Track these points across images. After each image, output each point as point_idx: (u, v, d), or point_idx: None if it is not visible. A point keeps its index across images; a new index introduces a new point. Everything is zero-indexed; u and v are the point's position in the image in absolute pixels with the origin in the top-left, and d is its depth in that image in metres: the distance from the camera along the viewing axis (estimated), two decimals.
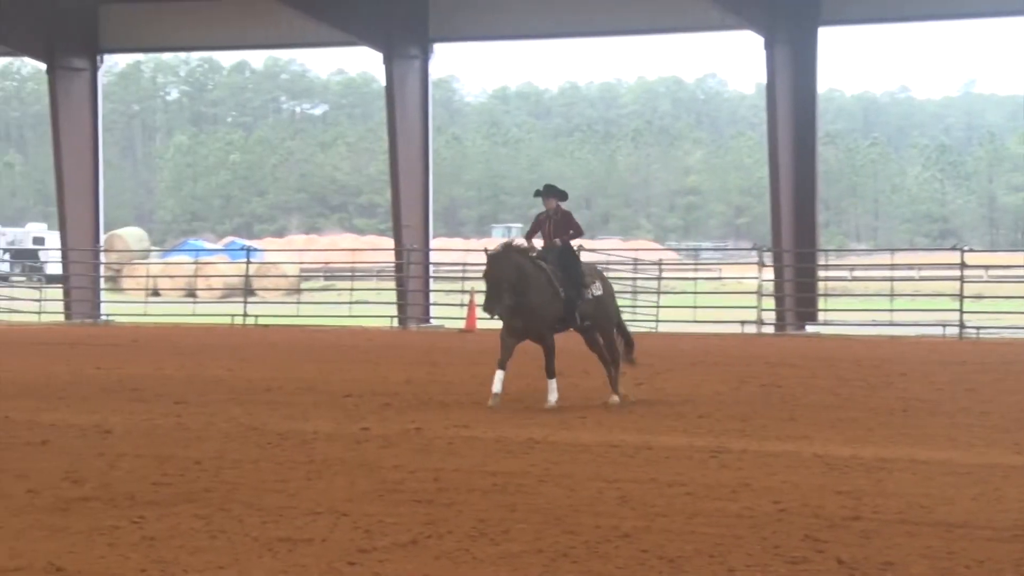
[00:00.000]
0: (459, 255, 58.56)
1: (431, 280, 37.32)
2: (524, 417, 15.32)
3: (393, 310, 36.02)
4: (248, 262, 41.32)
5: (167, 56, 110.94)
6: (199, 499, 10.34)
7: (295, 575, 8.16)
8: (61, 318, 36.33)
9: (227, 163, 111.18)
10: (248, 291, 39.64)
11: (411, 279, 36.12)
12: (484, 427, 14.45)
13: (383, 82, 36.12)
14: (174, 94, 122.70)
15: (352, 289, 41.90)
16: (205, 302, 44.75)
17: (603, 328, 16.86)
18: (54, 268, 47.47)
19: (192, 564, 8.36)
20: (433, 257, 38.42)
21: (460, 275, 43.29)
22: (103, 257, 40.93)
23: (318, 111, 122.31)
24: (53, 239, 58.47)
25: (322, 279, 56.52)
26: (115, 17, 36.69)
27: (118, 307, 39.15)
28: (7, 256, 60.48)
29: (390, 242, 36.81)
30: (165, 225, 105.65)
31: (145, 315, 37.22)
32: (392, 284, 38.72)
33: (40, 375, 20.47)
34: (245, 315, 35.31)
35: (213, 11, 36.21)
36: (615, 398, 16.53)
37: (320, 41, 38.91)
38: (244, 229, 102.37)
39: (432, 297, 36.86)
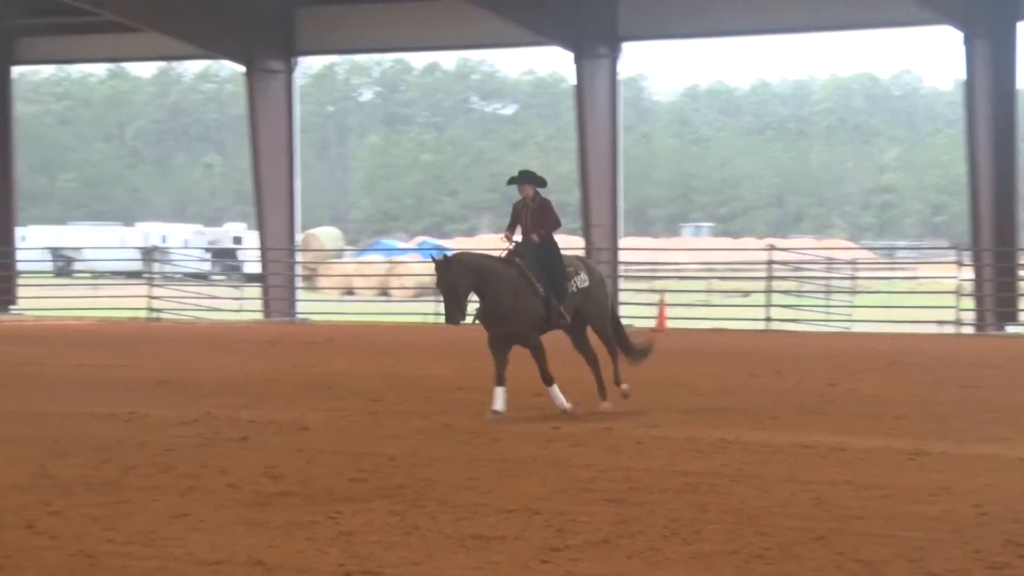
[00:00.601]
0: (649, 254, 58.36)
1: (620, 279, 37.25)
2: (715, 417, 15.20)
3: None
4: None
5: (360, 58, 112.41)
6: (394, 495, 10.46)
7: (489, 572, 8.20)
8: (259, 316, 37.06)
9: (419, 163, 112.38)
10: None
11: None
12: (674, 427, 14.37)
13: (573, 81, 36.19)
14: (367, 95, 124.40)
15: None
16: (398, 301, 45.27)
17: (596, 320, 15.79)
18: (252, 267, 48.45)
19: (387, 559, 8.45)
20: (622, 256, 38.35)
21: (650, 274, 43.16)
22: (299, 256, 41.67)
23: (508, 111, 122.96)
24: (251, 239, 59.67)
25: None
26: (310, 20, 37.31)
27: (314, 305, 39.81)
28: (208, 255, 61.90)
29: (579, 241, 36.83)
30: (359, 225, 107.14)
31: (340, 313, 37.79)
32: None
33: (240, 373, 20.90)
34: (437, 314, 35.67)
35: (405, 13, 36.62)
36: (625, 386, 15.84)
37: (510, 41, 39.12)
38: (435, 228, 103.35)
39: (621, 296, 36.80)
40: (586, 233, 36.25)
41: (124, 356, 23.97)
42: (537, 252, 15.30)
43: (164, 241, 66.31)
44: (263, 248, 38.18)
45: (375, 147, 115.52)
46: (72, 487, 10.85)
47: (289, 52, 37.47)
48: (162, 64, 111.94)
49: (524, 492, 10.56)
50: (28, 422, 14.78)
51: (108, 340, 28.65)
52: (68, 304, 37.81)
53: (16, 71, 40.54)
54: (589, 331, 15.96)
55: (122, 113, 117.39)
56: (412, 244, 75.65)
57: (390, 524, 9.44)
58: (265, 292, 38.25)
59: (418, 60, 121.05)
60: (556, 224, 15.51)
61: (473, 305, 15.21)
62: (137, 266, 46.64)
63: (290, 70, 37.53)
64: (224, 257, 62.36)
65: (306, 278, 47.32)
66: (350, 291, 50.92)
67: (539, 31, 35.93)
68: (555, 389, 15.29)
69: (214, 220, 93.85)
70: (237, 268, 56.06)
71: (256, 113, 37.16)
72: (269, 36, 37.05)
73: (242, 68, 37.90)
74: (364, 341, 28.73)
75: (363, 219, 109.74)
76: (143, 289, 37.62)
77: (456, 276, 14.87)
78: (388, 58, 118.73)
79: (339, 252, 60.28)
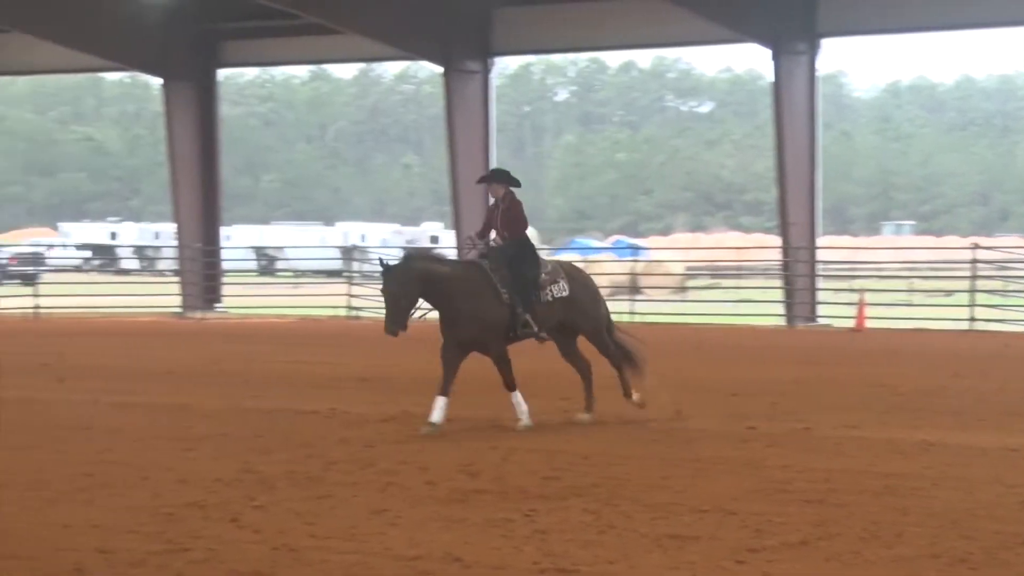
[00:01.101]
0: (848, 253, 57.51)
1: (818, 279, 36.78)
2: (916, 418, 14.93)
3: (780, 309, 35.67)
4: (635, 260, 41.62)
5: (556, 57, 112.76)
6: (588, 494, 10.48)
7: (684, 572, 8.17)
8: None
9: (614, 162, 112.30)
10: (634, 289, 39.93)
11: (798, 277, 35.69)
12: (874, 428, 14.15)
13: (770, 79, 35.82)
14: (563, 95, 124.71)
15: (738, 287, 41.69)
16: None
17: (585, 331, 14.91)
18: None
19: (582, 558, 8.47)
20: (820, 255, 37.84)
21: (848, 274, 42.51)
22: None
23: (704, 109, 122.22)
24: (448, 238, 60.27)
25: (708, 277, 56.47)
26: (507, 20, 37.53)
27: None
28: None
29: (777, 240, 36.44)
30: (553, 224, 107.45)
31: None
32: (778, 282, 38.32)
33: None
34: (632, 313, 35.59)
35: (601, 11, 36.61)
36: (636, 396, 15.09)
37: (707, 39, 38.85)
38: (630, 228, 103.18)
39: (820, 296, 36.33)
40: (783, 232, 35.85)
41: (324, 353, 24.38)
42: (508, 256, 14.28)
43: (363, 240, 67.31)
44: (459, 247, 38.51)
45: (570, 146, 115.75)
46: (275, 482, 11.08)
47: (486, 52, 37.72)
48: (362, 65, 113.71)
49: (719, 492, 10.49)
50: (233, 418, 15.13)
51: (309, 337, 29.16)
52: (270, 302, 38.59)
53: (221, 74, 41.48)
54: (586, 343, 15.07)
55: (323, 114, 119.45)
56: (607, 243, 75.63)
57: (585, 522, 9.46)
58: None
59: (613, 59, 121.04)
60: (523, 226, 14.47)
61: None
62: (337, 265, 47.42)
63: (487, 70, 37.79)
64: None
65: None
66: None
67: (736, 28, 35.63)
68: (517, 396, 14.31)
69: (412, 219, 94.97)
70: None
71: (453, 113, 37.50)
72: (467, 37, 37.35)
73: (440, 69, 38.27)
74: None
75: (558, 218, 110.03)
76: (343, 287, 38.22)
77: (400, 284, 13.89)
78: (584, 57, 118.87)
79: None
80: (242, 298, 39.52)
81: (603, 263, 54.07)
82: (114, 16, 37.31)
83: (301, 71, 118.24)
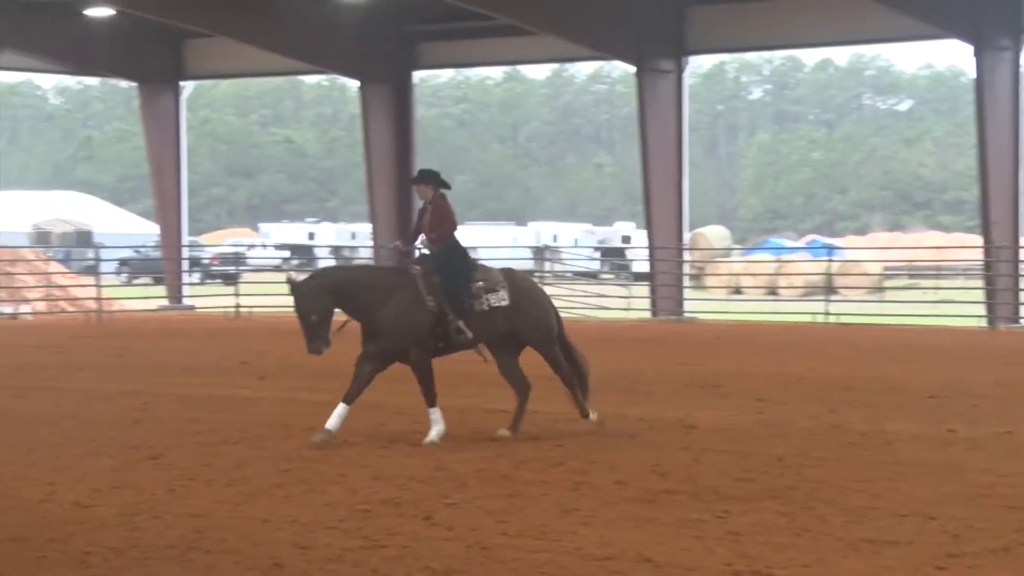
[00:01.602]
0: None
1: (1022, 279, 35.87)
2: None
3: (981, 310, 34.89)
4: (830, 260, 41.06)
5: (751, 55, 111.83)
6: (782, 496, 10.36)
7: None
8: (647, 315, 37.28)
9: (809, 161, 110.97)
10: (830, 289, 39.42)
11: (1000, 277, 34.85)
12: None
13: (972, 75, 35.05)
14: (757, 93, 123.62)
15: (937, 288, 40.87)
16: (786, 300, 44.81)
17: (532, 342, 13.95)
18: (640, 266, 48.80)
19: (776, 561, 8.38)
20: None
21: None
22: (687, 255, 41.75)
23: (903, 107, 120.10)
24: (639, 238, 60.14)
25: (906, 277, 55.48)
26: (701, 18, 37.29)
27: (701, 304, 39.78)
28: (597, 254, 62.69)
29: (978, 239, 35.62)
30: (747, 223, 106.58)
31: (727, 312, 37.67)
32: (979, 283, 37.46)
33: (628, 370, 21.08)
34: (827, 313, 35.12)
35: (797, 8, 36.18)
36: (594, 415, 14.04)
37: (906, 35, 38.09)
38: (825, 227, 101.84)
39: (1022, 296, 35.44)
40: (985, 231, 35.05)
41: None
42: (437, 262, 13.60)
43: (555, 240, 67.52)
44: (651, 247, 38.38)
45: (764, 145, 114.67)
46: (468, 480, 11.16)
47: (679, 51, 37.53)
48: (555, 66, 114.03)
49: (918, 496, 10.29)
50: (425, 416, 15.25)
51: None
52: None
53: (417, 76, 41.94)
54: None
55: (516, 115, 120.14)
56: (801, 243, 74.77)
57: (779, 525, 9.36)
58: (653, 291, 38.43)
59: (809, 56, 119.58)
60: (450, 228, 13.76)
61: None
62: (529, 264, 47.62)
63: (680, 69, 37.60)
64: (613, 256, 63.04)
65: (694, 277, 47.33)
66: (738, 290, 50.68)
67: (937, 24, 34.92)
68: (436, 412, 13.46)
69: (604, 219, 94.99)
70: (625, 267, 56.55)
71: (646, 113, 37.39)
72: (660, 36, 37.21)
73: (633, 68, 38.19)
74: (751, 340, 28.54)
75: (751, 218, 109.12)
76: None
77: (308, 301, 13.17)
78: (779, 55, 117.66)
79: (727, 251, 60.10)
80: None
81: (797, 263, 53.48)
82: (312, 20, 37.97)
83: (495, 72, 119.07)
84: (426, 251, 13.76)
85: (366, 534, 9.15)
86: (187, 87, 42.51)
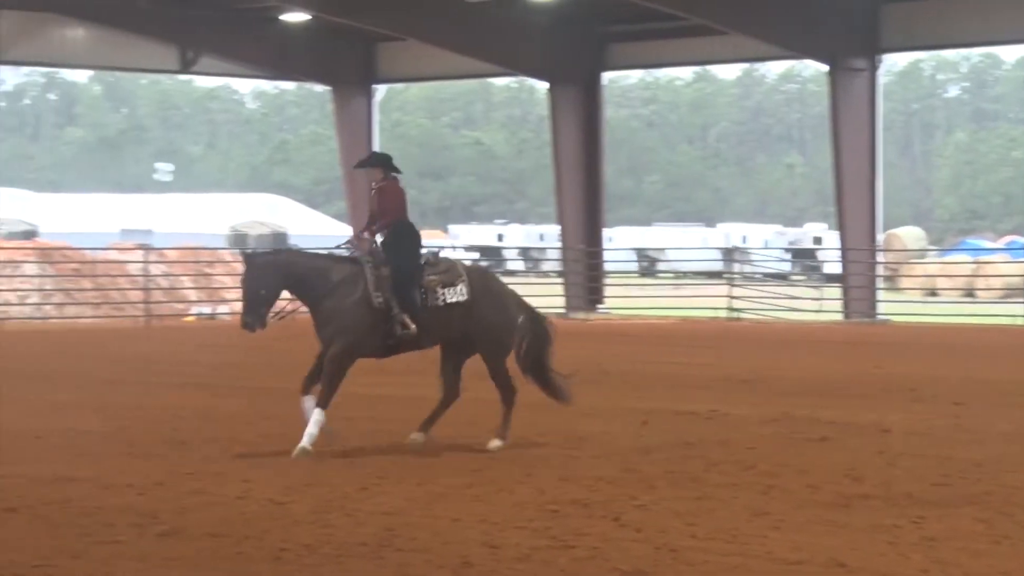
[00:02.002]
0: None
1: None
2: None
3: None
4: None
5: (948, 53, 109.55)
6: (979, 502, 10.14)
7: None
8: (839, 317, 36.77)
9: (1009, 160, 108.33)
10: None
11: None
12: None
13: None
14: (953, 91, 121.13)
15: None
16: (984, 302, 43.83)
17: (485, 349, 12.97)
18: (832, 268, 48.16)
19: (974, 568, 8.20)
20: None
21: None
22: (880, 256, 41.08)
23: None
24: (831, 239, 59.36)
25: None
26: (895, 16, 36.66)
27: (895, 306, 39.12)
28: (788, 255, 62.00)
29: None
30: (943, 224, 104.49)
31: (922, 315, 36.99)
32: None
33: (819, 373, 20.82)
34: None
35: (996, 4, 35.36)
36: (496, 442, 12.90)
37: None
38: None
39: None
40: None
41: (704, 355, 24.34)
42: (387, 250, 12.85)
43: (745, 241, 66.95)
44: (843, 248, 37.85)
45: (961, 144, 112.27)
46: (656, 482, 11.11)
47: (873, 49, 36.94)
48: (745, 66, 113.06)
49: None
50: (615, 417, 15.25)
51: (689, 339, 29.17)
52: (652, 303, 38.78)
53: (606, 76, 41.93)
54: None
55: (706, 115, 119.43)
56: (1000, 243, 73.06)
57: (976, 531, 9.15)
58: (845, 293, 37.91)
59: (1009, 53, 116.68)
60: (396, 213, 13.00)
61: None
62: (718, 266, 47.29)
63: (874, 68, 37.00)
64: (804, 257, 62.31)
65: (887, 279, 46.56)
66: (933, 292, 49.70)
67: None
68: (319, 415, 12.41)
69: (794, 220, 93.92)
70: (817, 268, 55.86)
71: (838, 112, 36.88)
72: (853, 34, 36.67)
73: (825, 67, 37.71)
74: (947, 343, 27.98)
75: (947, 218, 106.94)
76: (724, 289, 38.09)
77: (257, 275, 12.59)
78: (977, 52, 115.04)
79: (922, 252, 59.01)
80: (624, 299, 39.82)
81: (996, 264, 52.28)
82: (503, 22, 38.20)
83: (685, 72, 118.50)
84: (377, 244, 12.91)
85: (554, 534, 9.16)
86: (379, 90, 43.07)
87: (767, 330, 32.80)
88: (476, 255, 65.98)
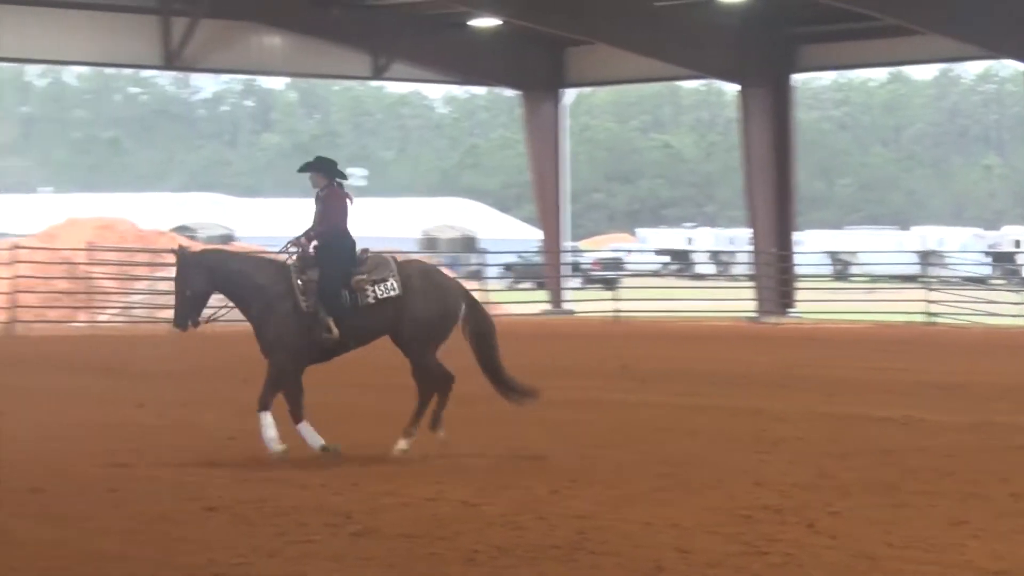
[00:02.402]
0: None
1: None
2: None
3: None
4: None
5: None
6: None
7: None
8: None
9: None
10: None
11: None
12: None
13: None
14: None
15: None
16: None
17: (407, 343, 12.59)
18: None
19: None
20: None
21: None
22: None
23: None
24: None
25: None
26: None
27: None
28: (987, 259, 60.66)
29: None
30: None
31: None
32: None
33: (1020, 379, 20.32)
34: None
35: None
36: (402, 444, 12.58)
37: None
38: None
39: None
40: None
41: (901, 360, 23.92)
42: (319, 255, 12.52)
43: (941, 245, 65.66)
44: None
45: None
46: (851, 488, 10.94)
47: None
48: (942, 66, 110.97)
49: None
50: (807, 423, 15.06)
51: (884, 343, 28.70)
52: (845, 308, 38.21)
53: (797, 78, 41.46)
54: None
55: (899, 117, 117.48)
56: None
57: None
58: None
59: None
60: (335, 219, 12.52)
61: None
62: (914, 270, 46.45)
63: None
64: (1004, 261, 60.90)
65: None
66: None
67: None
68: (264, 419, 12.32)
69: (992, 223, 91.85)
70: (1016, 272, 54.55)
71: None
72: None
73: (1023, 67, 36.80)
74: None
75: None
76: (920, 293, 37.39)
77: (185, 273, 12.49)
78: None
79: None
80: (816, 303, 39.31)
81: None
82: (692, 25, 38.00)
83: (878, 73, 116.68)
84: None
85: (747, 540, 9.07)
86: (568, 94, 43.14)
87: (965, 335, 32.12)
88: (666, 259, 65.76)
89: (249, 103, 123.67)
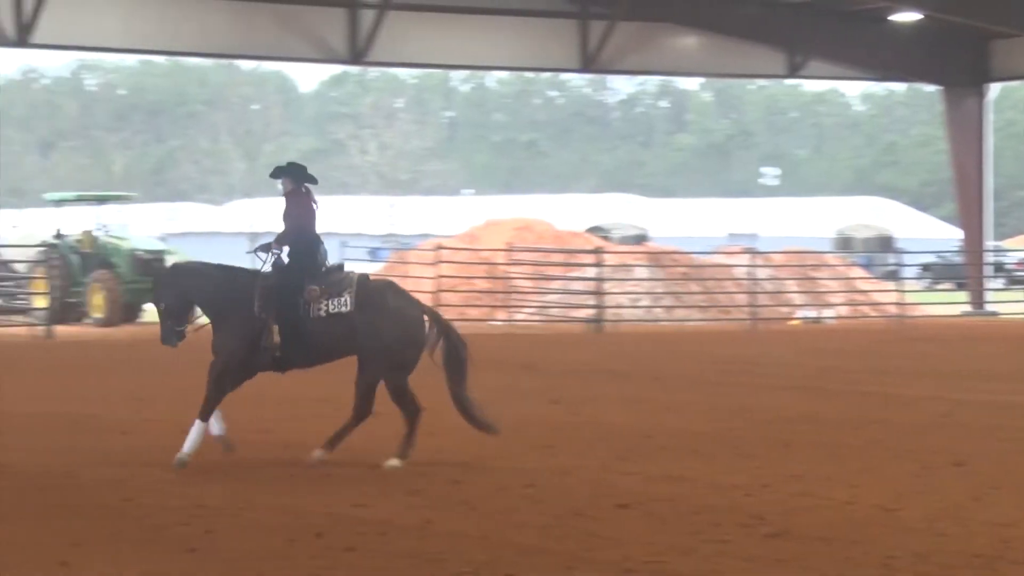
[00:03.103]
0: None
1: None
2: None
3: None
4: None
5: None
6: None
7: None
8: None
9: None
10: None
11: None
12: None
13: None
14: None
15: None
16: None
17: (363, 358, 11.85)
18: None
19: None
20: None
21: None
22: None
23: None
24: None
25: None
26: None
27: None
28: None
29: None
30: None
31: None
32: None
33: None
34: None
35: None
36: (318, 453, 11.91)
37: None
38: None
39: None
40: None
41: None
42: (277, 263, 12.17)
43: None
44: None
45: None
46: None
47: None
48: None
49: None
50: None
51: None
52: None
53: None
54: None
55: None
56: None
57: None
58: None
59: None
60: (292, 225, 12.09)
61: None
62: None
63: None
64: None
65: None
66: None
67: None
68: (199, 427, 11.76)
69: None
70: None
71: None
72: None
73: None
74: None
75: None
76: None
77: (160, 289, 12.39)
78: None
79: None
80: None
81: None
82: None
83: None
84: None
85: None
86: (993, 89, 41.75)
87: None
88: None
89: (664, 104, 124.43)
